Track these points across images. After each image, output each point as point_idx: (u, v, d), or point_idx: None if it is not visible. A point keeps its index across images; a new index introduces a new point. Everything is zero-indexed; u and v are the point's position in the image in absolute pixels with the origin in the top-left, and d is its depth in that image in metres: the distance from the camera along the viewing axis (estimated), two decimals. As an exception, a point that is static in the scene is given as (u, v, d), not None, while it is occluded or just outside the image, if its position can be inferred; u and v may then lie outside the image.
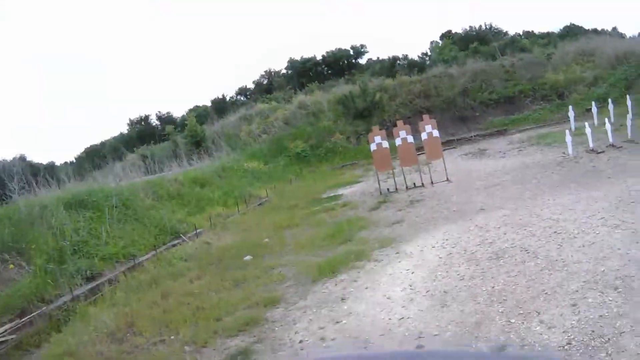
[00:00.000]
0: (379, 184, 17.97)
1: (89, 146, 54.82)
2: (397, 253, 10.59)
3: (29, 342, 9.42)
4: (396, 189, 17.67)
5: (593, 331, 5.78)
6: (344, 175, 25.23)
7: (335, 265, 10.32)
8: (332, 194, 19.81)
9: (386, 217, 14.17)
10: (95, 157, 44.00)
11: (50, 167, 38.20)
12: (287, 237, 13.92)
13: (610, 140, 16.11)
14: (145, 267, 12.84)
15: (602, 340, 5.56)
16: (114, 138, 54.70)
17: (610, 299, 6.42)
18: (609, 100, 20.26)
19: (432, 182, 17.59)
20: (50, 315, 10.22)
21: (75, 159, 51.69)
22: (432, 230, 11.91)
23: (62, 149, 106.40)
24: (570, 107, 22.31)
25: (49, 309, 10.39)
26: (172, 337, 8.17)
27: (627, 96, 18.76)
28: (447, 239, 10.87)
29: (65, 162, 47.54)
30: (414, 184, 17.80)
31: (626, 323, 5.76)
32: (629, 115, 16.85)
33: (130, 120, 57.84)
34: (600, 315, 6.07)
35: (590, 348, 5.48)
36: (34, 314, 10.17)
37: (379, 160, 18.26)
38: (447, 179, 17.45)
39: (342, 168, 28.02)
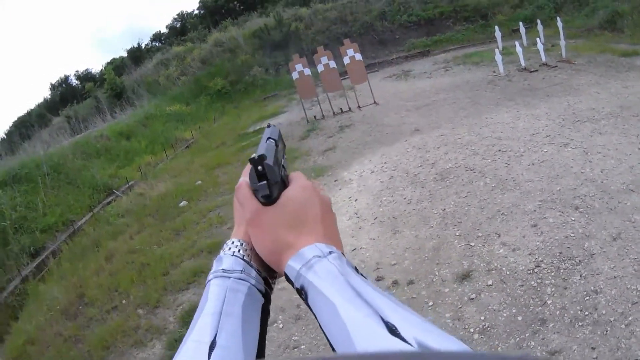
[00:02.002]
0: (305, 112, 17.42)
1: (16, 119, 52.81)
2: (336, 181, 10.26)
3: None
4: (323, 115, 17.16)
5: (561, 253, 5.62)
6: (267, 107, 24.56)
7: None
8: (257, 127, 19.19)
9: (317, 145, 13.76)
10: (24, 128, 42.48)
11: None
12: (220, 176, 13.53)
13: (543, 59, 16.00)
14: (85, 231, 12.60)
15: (573, 262, 5.40)
16: (39, 105, 52.86)
17: (573, 219, 6.26)
18: (538, 21, 20.12)
19: (359, 106, 17.11)
20: (5, 303, 9.99)
21: (6, 134, 49.70)
22: (368, 154, 11.57)
23: None
24: (496, 27, 22.09)
25: (3, 297, 10.18)
26: (124, 302, 7.89)
27: (557, 18, 18.66)
28: (385, 162, 10.58)
29: None
30: (341, 109, 17.28)
31: (595, 244, 5.60)
32: (561, 36, 16.76)
33: (51, 84, 55.79)
34: (566, 236, 5.92)
35: (561, 271, 5.31)
36: None
37: (303, 88, 17.59)
38: (375, 102, 17.04)
39: (265, 100, 27.36)
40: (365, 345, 0.62)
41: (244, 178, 0.92)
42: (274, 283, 0.95)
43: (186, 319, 6.68)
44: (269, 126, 1.13)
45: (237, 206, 0.95)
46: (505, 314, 4.93)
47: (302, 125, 16.88)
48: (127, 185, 15.75)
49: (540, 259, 5.58)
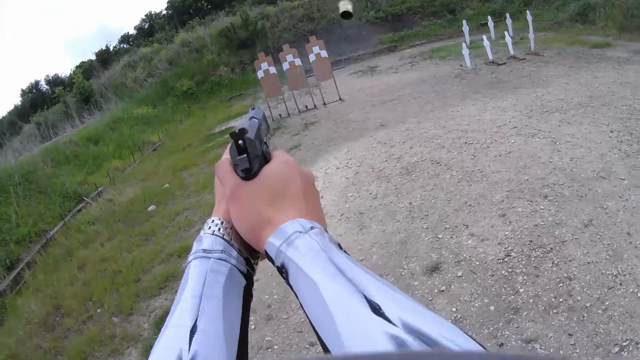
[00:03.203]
0: (270, 110, 17.30)
1: None
2: (302, 175, 10.13)
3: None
4: (288, 114, 17.07)
5: (531, 241, 5.58)
6: (233, 107, 24.52)
7: None
8: (223, 128, 19.26)
9: (283, 143, 13.60)
10: None
11: None
12: (186, 179, 13.49)
13: (511, 52, 16.05)
14: (58, 240, 12.44)
15: (544, 250, 5.35)
16: (9, 112, 52.53)
17: (542, 207, 6.23)
18: (507, 14, 20.27)
19: (324, 103, 17.07)
20: None
21: None
22: (333, 151, 11.49)
23: None
24: (464, 21, 22.13)
25: None
26: (99, 310, 7.80)
27: (527, 11, 18.78)
28: (350, 158, 10.52)
29: None
30: (306, 106, 17.22)
31: (566, 232, 5.57)
32: (530, 29, 16.86)
33: (22, 90, 55.93)
34: (535, 225, 5.88)
35: (532, 259, 5.26)
36: None
37: (268, 86, 17.51)
38: (340, 99, 17.00)
39: (231, 100, 27.37)
40: (347, 325, 0.59)
41: (226, 156, 0.90)
42: (256, 264, 0.93)
43: (160, 325, 6.51)
44: (253, 108, 1.12)
45: (217, 183, 0.94)
46: (477, 304, 4.85)
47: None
48: (97, 192, 15.60)
49: (510, 248, 5.52)
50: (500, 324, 4.51)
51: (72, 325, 7.63)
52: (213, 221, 0.89)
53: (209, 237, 0.87)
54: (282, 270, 0.73)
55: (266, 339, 5.49)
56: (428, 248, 6.05)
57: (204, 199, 11.13)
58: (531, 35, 16.44)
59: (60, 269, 10.31)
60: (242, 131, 0.83)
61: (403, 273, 5.74)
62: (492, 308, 4.73)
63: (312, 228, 0.74)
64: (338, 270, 0.66)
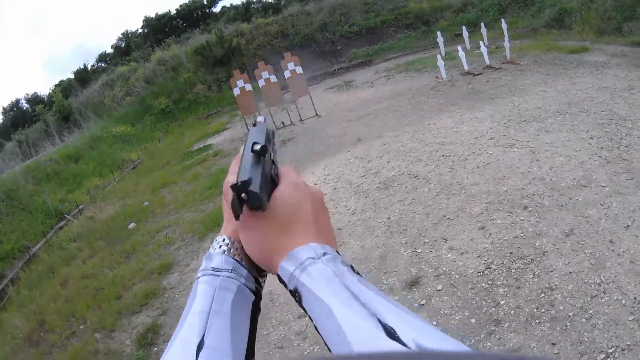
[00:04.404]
0: (247, 128, 17.26)
1: None
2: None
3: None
4: (265, 130, 17.06)
5: (511, 253, 5.57)
6: (210, 124, 24.65)
7: (220, 219, 9.79)
8: (201, 145, 19.35)
9: (261, 161, 13.57)
10: None
11: None
12: (166, 196, 13.57)
13: (487, 61, 16.15)
14: (40, 257, 12.81)
15: (525, 261, 5.35)
16: None
17: (522, 218, 6.24)
18: (482, 24, 20.42)
19: (301, 120, 17.10)
20: None
21: None
22: (310, 167, 11.48)
23: None
24: (438, 33, 22.31)
25: None
26: (82, 327, 7.89)
27: (502, 20, 18.96)
28: (328, 174, 10.51)
29: None
30: (283, 123, 17.24)
31: (546, 242, 5.57)
32: (506, 37, 17.00)
33: (3, 108, 56.05)
34: (515, 236, 5.88)
35: (513, 271, 5.25)
36: None
37: (244, 104, 17.59)
38: (317, 114, 17.03)
39: (208, 118, 27.60)
40: (363, 349, 0.60)
41: (232, 176, 0.86)
42: (264, 281, 0.94)
43: (142, 341, 6.62)
44: (255, 124, 1.02)
45: (225, 204, 0.92)
46: (457, 317, 4.82)
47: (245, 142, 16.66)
48: (78, 210, 15.75)
49: (490, 260, 5.50)
50: (482, 336, 4.49)
51: (56, 341, 7.69)
52: (224, 240, 0.89)
53: (219, 256, 0.87)
54: (295, 294, 0.74)
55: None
56: (407, 263, 6.02)
57: (183, 217, 11.18)
58: (506, 43, 16.58)
59: (43, 285, 10.46)
60: (245, 184, 0.78)
61: (383, 288, 5.70)
62: (472, 321, 4.71)
63: (324, 254, 0.75)
64: (351, 295, 0.66)
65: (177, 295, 7.65)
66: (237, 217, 0.80)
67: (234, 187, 0.77)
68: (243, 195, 0.77)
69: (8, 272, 12.39)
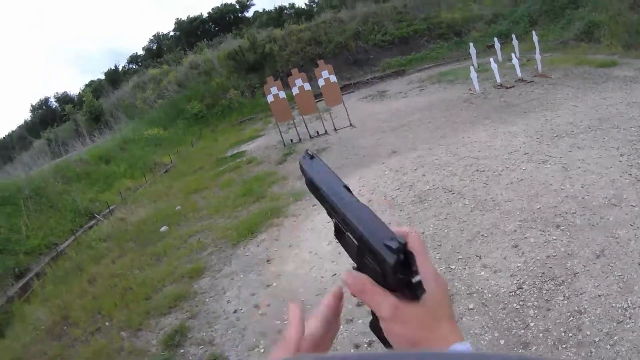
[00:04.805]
0: (281, 136, 17.45)
1: None
2: (314, 205, 10.17)
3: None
4: (300, 139, 17.19)
5: (543, 273, 5.63)
6: (243, 131, 24.63)
7: (253, 226, 10.07)
8: (235, 152, 19.29)
9: (294, 169, 13.61)
10: (5, 150, 43.09)
11: None
12: (199, 201, 13.55)
13: (519, 74, 16.17)
14: (68, 254, 12.72)
15: (556, 282, 5.41)
16: (19, 127, 53.59)
17: (554, 237, 6.29)
18: (513, 36, 20.38)
19: (335, 129, 17.16)
20: None
21: None
22: (345, 177, 11.37)
23: None
24: (470, 44, 22.30)
25: None
26: (107, 324, 7.93)
27: (533, 32, 18.92)
28: (363, 186, 10.59)
29: None
30: (317, 132, 17.33)
31: (578, 263, 5.63)
32: (537, 50, 16.99)
33: (32, 106, 56.76)
34: (548, 256, 5.94)
35: (544, 292, 5.32)
36: None
37: (278, 111, 17.65)
38: (351, 124, 17.10)
39: (241, 124, 27.46)
40: None
41: (358, 274, 0.83)
42: None
43: (168, 342, 6.71)
44: (312, 157, 1.00)
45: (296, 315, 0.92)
46: (487, 338, 4.92)
47: (279, 149, 16.88)
48: (108, 210, 15.85)
49: (522, 280, 5.58)
50: (510, 359, 4.57)
51: (79, 336, 7.78)
52: None
53: None
54: None
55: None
56: (441, 280, 6.11)
57: (216, 223, 11.22)
58: (538, 56, 16.57)
59: (69, 282, 10.51)
60: (404, 245, 0.72)
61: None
62: (502, 342, 4.80)
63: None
64: None
65: (207, 300, 7.72)
66: (392, 285, 0.77)
67: (396, 249, 0.71)
68: (402, 256, 0.72)
69: (34, 266, 12.48)
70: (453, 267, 6.32)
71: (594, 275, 5.33)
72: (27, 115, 57.84)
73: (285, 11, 53.64)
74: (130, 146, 24.91)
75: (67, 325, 8.35)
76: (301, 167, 0.99)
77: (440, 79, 21.58)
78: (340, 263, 7.36)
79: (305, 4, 55.44)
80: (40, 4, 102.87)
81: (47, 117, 50.48)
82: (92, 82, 53.26)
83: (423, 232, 7.55)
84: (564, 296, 5.14)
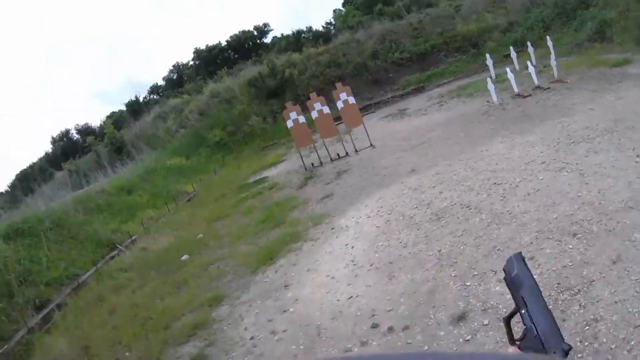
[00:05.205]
0: (302, 160, 17.52)
1: (19, 172, 53.19)
2: (333, 229, 10.23)
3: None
4: (321, 162, 17.21)
5: (559, 283, 5.53)
6: (266, 156, 24.70)
7: (272, 251, 10.12)
8: (257, 178, 19.38)
9: (315, 192, 13.78)
10: (26, 182, 42.94)
11: None
12: (220, 229, 13.62)
13: (536, 82, 16.03)
14: (89, 285, 12.81)
15: (572, 292, 5.31)
16: (40, 159, 53.43)
17: (571, 246, 6.19)
18: (528, 43, 20.24)
19: (356, 150, 17.15)
20: (13, 352, 10.07)
21: (9, 187, 50.04)
22: (364, 199, 11.56)
23: None
24: (487, 55, 22.18)
25: (10, 347, 10.22)
26: (127, 354, 8.03)
27: (547, 37, 18.78)
28: (381, 207, 10.55)
29: (0, 193, 46.59)
30: (338, 154, 17.31)
31: (594, 271, 5.52)
32: (552, 56, 16.86)
33: (52, 137, 56.21)
34: (564, 266, 5.83)
35: (560, 302, 5.22)
36: None
37: (298, 136, 17.79)
38: (371, 145, 17.09)
39: (264, 149, 27.52)
40: None
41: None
42: None
43: None
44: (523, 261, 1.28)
45: None
46: (502, 354, 4.80)
47: (301, 173, 16.92)
48: (130, 240, 15.89)
49: (537, 292, 5.46)
50: (525, 374, 4.46)
51: None
52: None
53: None
54: None
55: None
56: (456, 296, 6.05)
57: (237, 250, 11.28)
58: (553, 62, 16.44)
59: (90, 312, 10.58)
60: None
61: (429, 323, 5.75)
62: (517, 357, 4.68)
63: None
64: None
65: (225, 328, 7.73)
66: None
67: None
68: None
69: (55, 297, 12.46)
70: (468, 283, 6.24)
71: (610, 281, 5.21)
72: (47, 147, 57.85)
73: (303, 35, 53.82)
74: (153, 176, 24.98)
75: (87, 356, 8.42)
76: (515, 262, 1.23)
77: (459, 93, 21.46)
78: (355, 285, 7.39)
79: (322, 27, 55.72)
80: (57, 36, 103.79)
81: (68, 148, 50.70)
82: (113, 113, 53.66)
83: (439, 250, 7.52)
84: (580, 305, 5.03)
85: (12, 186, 49.02)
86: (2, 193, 46.56)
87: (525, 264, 1.22)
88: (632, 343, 4.31)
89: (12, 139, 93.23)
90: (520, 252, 1.23)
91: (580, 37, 22.13)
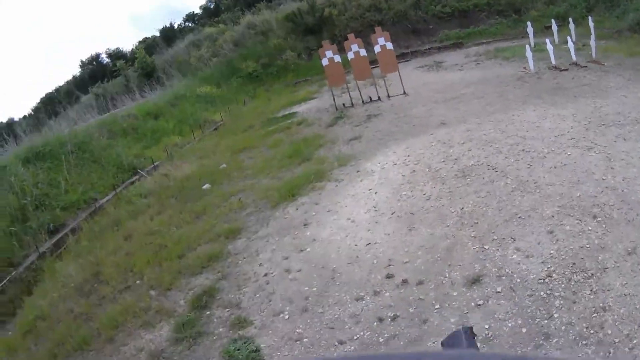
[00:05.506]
0: (333, 99, 17.23)
1: (44, 95, 52.12)
2: (358, 172, 10.10)
3: (4, 312, 9.04)
4: (352, 104, 16.93)
5: (574, 264, 5.42)
6: (297, 92, 24.19)
7: (295, 188, 9.91)
8: (287, 112, 19.04)
9: (343, 133, 13.55)
10: (51, 105, 42.20)
11: (9, 125, 36.68)
12: (245, 160, 13.41)
13: (574, 58, 15.58)
14: (106, 210, 12.53)
15: (585, 275, 5.21)
16: (68, 82, 51.79)
17: (590, 228, 6.05)
18: (570, 19, 19.62)
19: (388, 96, 16.84)
20: (20, 278, 9.97)
21: (33, 110, 49.15)
22: (392, 145, 11.37)
23: (21, 104, 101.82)
24: (528, 23, 21.53)
25: (18, 273, 10.13)
26: (138, 282, 7.88)
27: (589, 17, 18.21)
28: (408, 155, 10.37)
29: (24, 116, 45.51)
30: (370, 98, 16.98)
31: (609, 258, 5.40)
32: (592, 36, 16.37)
33: (82, 61, 54.27)
34: (581, 246, 5.72)
35: (572, 283, 5.13)
36: (5, 281, 9.87)
37: (332, 75, 17.34)
38: (404, 92, 16.76)
39: (296, 85, 26.93)
40: None
41: None
42: None
43: (196, 303, 6.68)
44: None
45: None
46: (510, 324, 4.77)
47: (331, 113, 16.66)
48: (153, 166, 15.62)
49: (552, 268, 5.39)
50: (529, 348, 4.42)
51: (108, 294, 7.74)
52: None
53: None
54: None
55: (297, 330, 5.56)
56: (473, 258, 5.98)
57: (259, 183, 11.09)
58: (592, 42, 15.95)
59: (105, 238, 10.39)
60: None
61: (444, 281, 5.69)
62: (524, 330, 4.65)
63: None
64: None
65: (239, 262, 7.62)
66: None
67: None
68: None
69: (70, 221, 12.20)
70: (487, 247, 6.15)
71: (624, 272, 5.10)
72: (76, 71, 56.25)
73: (346, -25, 52.52)
74: (181, 103, 24.37)
75: (97, 282, 8.31)
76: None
77: (497, 55, 20.97)
78: (375, 232, 7.30)
79: (367, -31, 54.35)
80: None
81: (97, 72, 48.53)
82: (146, 38, 52.15)
83: (462, 208, 7.40)
84: (591, 290, 4.94)
85: (36, 109, 48.33)
86: (25, 116, 45.53)
87: (474, 342, 0.99)
88: (635, 342, 4.22)
89: (42, 63, 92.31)
90: (472, 327, 1.03)
91: (621, 25, 21.38)
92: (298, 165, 11.55)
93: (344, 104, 17.11)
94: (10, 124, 38.31)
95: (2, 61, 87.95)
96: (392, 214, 7.80)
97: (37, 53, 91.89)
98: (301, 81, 27.41)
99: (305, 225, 8.23)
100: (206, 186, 11.80)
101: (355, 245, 7.09)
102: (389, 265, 6.33)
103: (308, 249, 7.38)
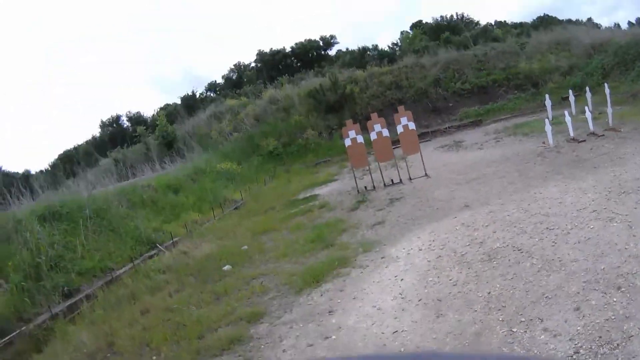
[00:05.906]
0: (355, 182, 17.63)
1: (62, 152, 53.33)
2: (383, 258, 10.27)
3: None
4: (374, 186, 17.31)
5: (600, 337, 5.58)
6: (318, 173, 24.74)
7: (319, 274, 9.98)
8: (308, 195, 19.35)
9: (366, 218, 13.82)
10: (69, 164, 42.89)
11: (26, 177, 37.58)
12: (266, 243, 13.47)
13: (591, 128, 16.00)
14: (123, 281, 12.54)
15: (611, 346, 5.36)
16: (87, 142, 53.30)
17: (615, 299, 6.22)
18: (587, 88, 20.14)
19: (410, 178, 17.20)
20: (30, 334, 10.04)
21: (50, 166, 50.21)
22: (416, 230, 11.61)
23: (37, 156, 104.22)
24: (546, 96, 22.14)
25: (29, 329, 10.19)
26: (154, 358, 7.89)
27: (605, 84, 18.70)
28: (433, 240, 10.57)
29: (41, 171, 46.55)
30: (392, 180, 17.38)
31: (634, 326, 5.57)
32: (609, 104, 16.83)
33: (102, 122, 56.23)
34: (606, 319, 5.87)
35: (599, 356, 5.28)
36: (14, 334, 9.97)
37: (355, 156, 17.74)
38: (426, 174, 17.15)
39: (316, 166, 27.44)
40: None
41: None
42: None
43: None
44: None
45: None
46: (541, 404, 4.92)
47: (353, 196, 17.03)
48: (172, 242, 15.74)
49: (579, 344, 5.55)
50: None
51: None
52: None
53: None
54: None
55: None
56: (501, 342, 6.11)
57: (282, 267, 11.12)
58: (609, 110, 16.43)
59: (121, 309, 10.43)
60: None
61: (476, 354, 5.83)
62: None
63: None
64: None
65: (262, 347, 7.58)
66: None
67: None
68: None
69: (85, 287, 12.29)
70: (515, 329, 6.30)
71: (649, 338, 5.28)
72: (95, 131, 57.23)
73: (368, 52, 53.64)
74: (201, 178, 24.62)
75: (111, 353, 8.35)
76: None
77: (516, 131, 21.47)
78: (402, 320, 7.39)
79: (388, 47, 55.74)
80: (131, 19, 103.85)
81: (117, 135, 50.36)
82: (167, 105, 53.60)
83: (489, 292, 7.54)
84: (618, 360, 5.13)
85: (53, 165, 49.15)
86: (42, 171, 46.26)
87: None
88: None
89: (61, 118, 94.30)
90: None
91: (636, 87, 21.94)
92: (321, 250, 11.66)
93: (365, 187, 17.49)
94: (27, 176, 39.02)
95: (21, 113, 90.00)
96: (419, 300, 7.93)
97: (58, 107, 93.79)
98: (322, 161, 27.93)
99: (330, 312, 8.27)
100: (227, 267, 11.84)
101: (382, 332, 7.17)
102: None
103: (333, 337, 7.41)
